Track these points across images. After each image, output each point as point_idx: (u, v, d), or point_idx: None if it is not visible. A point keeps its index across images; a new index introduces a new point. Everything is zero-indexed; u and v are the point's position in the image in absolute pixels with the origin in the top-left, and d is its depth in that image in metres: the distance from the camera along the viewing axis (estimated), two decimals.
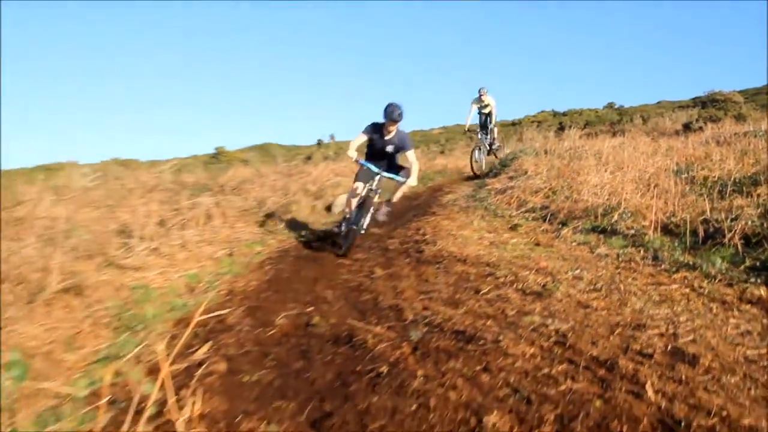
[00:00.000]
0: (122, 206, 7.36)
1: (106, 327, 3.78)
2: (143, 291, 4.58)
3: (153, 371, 3.02)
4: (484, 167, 12.38)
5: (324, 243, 6.75)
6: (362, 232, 6.10)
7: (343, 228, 6.36)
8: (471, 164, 12.34)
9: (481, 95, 12.40)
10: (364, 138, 6.30)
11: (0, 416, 2.38)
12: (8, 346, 3.46)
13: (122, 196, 8.12)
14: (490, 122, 12.47)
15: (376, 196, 6.24)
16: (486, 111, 12.53)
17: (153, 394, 1.47)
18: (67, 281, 4.36)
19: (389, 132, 6.13)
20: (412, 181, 6.18)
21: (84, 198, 7.65)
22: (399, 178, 6.23)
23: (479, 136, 12.51)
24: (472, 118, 12.70)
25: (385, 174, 6.23)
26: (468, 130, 13.09)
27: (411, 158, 6.27)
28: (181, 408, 1.68)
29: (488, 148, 12.71)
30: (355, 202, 6.34)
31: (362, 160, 6.32)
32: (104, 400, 2.44)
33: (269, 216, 8.09)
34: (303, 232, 7.40)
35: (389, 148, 6.31)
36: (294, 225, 7.78)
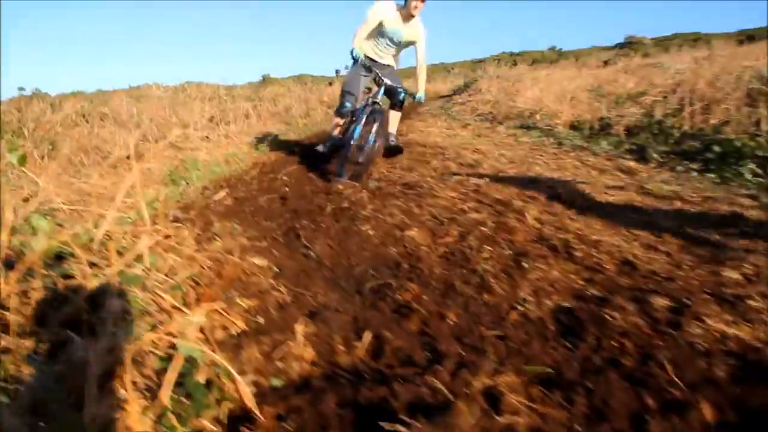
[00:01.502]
0: (184, 108, 7.07)
1: (158, 183, 3.69)
2: (191, 161, 4.45)
3: (187, 207, 2.95)
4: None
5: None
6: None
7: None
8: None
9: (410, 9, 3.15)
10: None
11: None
12: (83, 193, 3.41)
13: (184, 102, 7.79)
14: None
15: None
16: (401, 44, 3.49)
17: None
18: (134, 152, 4.23)
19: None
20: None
21: (156, 102, 7.33)
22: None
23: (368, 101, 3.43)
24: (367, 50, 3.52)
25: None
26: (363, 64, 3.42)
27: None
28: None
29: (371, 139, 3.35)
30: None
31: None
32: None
33: (292, 117, 7.79)
34: (315, 129, 7.14)
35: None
36: (310, 124, 7.49)
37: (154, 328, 0.85)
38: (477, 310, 1.49)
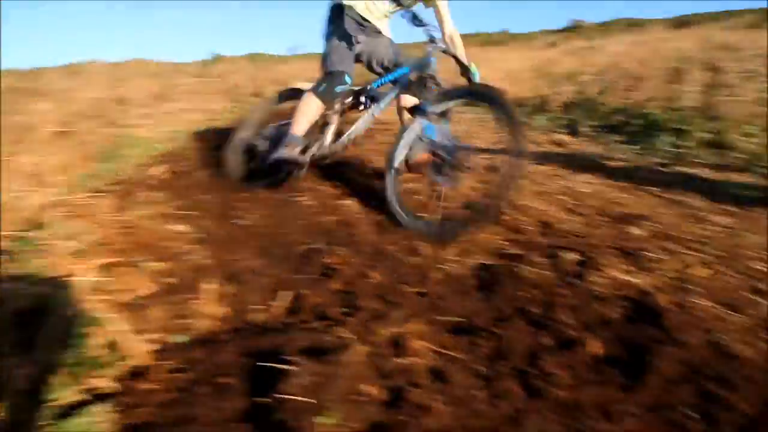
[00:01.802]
0: (125, 85, 6.63)
1: (92, 160, 3.46)
2: (131, 138, 4.20)
3: (119, 182, 2.79)
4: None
5: None
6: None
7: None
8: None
9: None
10: None
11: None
12: (11, 171, 3.15)
13: (127, 78, 7.29)
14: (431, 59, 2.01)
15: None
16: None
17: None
18: (65, 129, 3.95)
19: None
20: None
21: (95, 78, 6.84)
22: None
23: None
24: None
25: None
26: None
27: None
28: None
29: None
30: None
31: None
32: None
33: (241, 95, 7.51)
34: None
35: None
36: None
37: (37, 285, 0.81)
38: (403, 270, 1.52)
